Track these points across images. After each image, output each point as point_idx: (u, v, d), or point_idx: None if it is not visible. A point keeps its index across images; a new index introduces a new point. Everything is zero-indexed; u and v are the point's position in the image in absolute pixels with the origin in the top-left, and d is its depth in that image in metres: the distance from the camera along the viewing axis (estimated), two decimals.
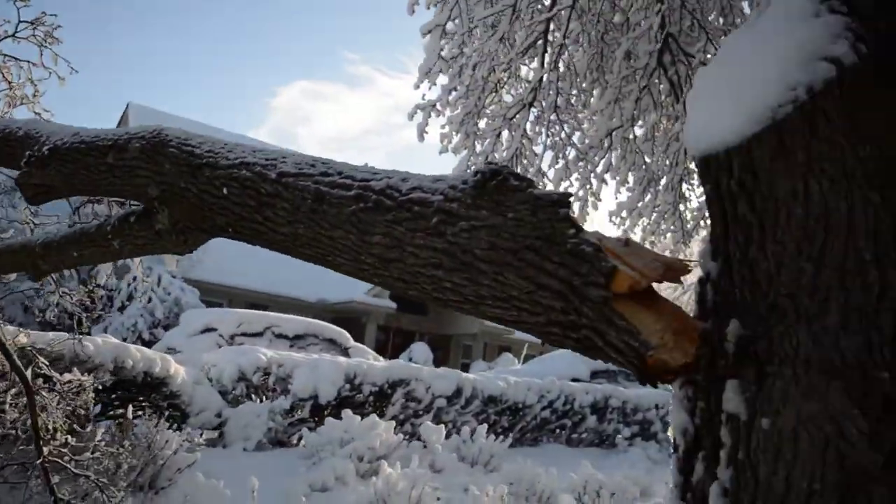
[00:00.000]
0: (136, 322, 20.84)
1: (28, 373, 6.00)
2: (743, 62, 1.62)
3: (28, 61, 6.12)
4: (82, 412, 7.02)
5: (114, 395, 9.14)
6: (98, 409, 8.57)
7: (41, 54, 6.07)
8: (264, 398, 11.34)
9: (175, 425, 9.61)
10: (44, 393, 6.47)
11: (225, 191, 2.91)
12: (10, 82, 6.22)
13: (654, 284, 1.74)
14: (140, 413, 8.93)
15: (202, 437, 9.03)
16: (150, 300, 20.77)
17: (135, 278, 20.13)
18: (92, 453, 6.51)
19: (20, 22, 6.01)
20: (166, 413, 9.55)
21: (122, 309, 21.25)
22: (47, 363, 6.34)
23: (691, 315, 1.79)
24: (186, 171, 3.11)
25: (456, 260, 2.02)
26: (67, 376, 6.65)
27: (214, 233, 3.54)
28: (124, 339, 14.43)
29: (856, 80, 1.45)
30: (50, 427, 6.30)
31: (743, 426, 1.49)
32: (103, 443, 6.76)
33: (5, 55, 6.01)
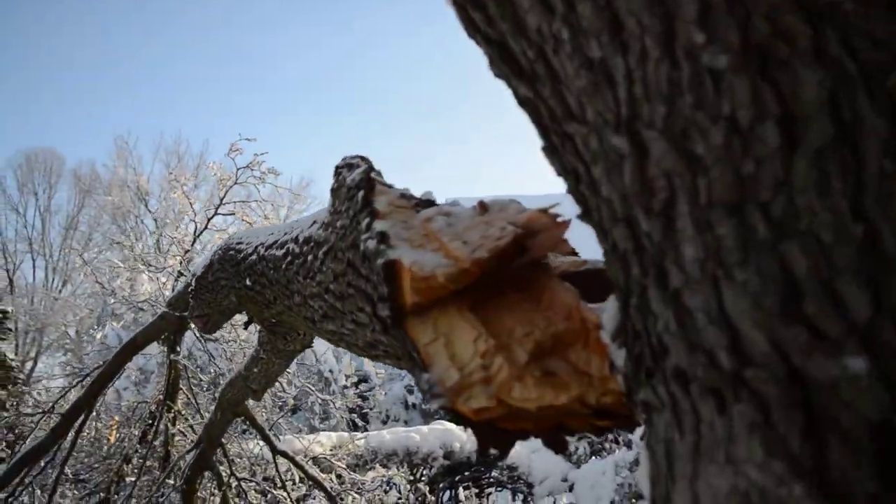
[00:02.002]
0: None
1: (330, 478, 6.27)
2: None
3: (255, 201, 6.72)
4: None
5: (442, 483, 9.29)
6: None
7: (259, 191, 6.63)
8: (603, 452, 10.66)
9: (521, 497, 9.45)
10: (354, 495, 6.69)
11: (248, 281, 2.69)
12: (250, 223, 6.86)
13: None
14: (476, 492, 8.91)
15: None
16: None
17: None
18: None
19: (238, 169, 6.66)
20: (510, 487, 9.44)
21: None
22: (344, 466, 6.59)
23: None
24: (233, 271, 2.99)
25: (325, 302, 1.52)
26: (370, 475, 6.84)
27: (269, 325, 3.31)
28: None
29: None
30: None
31: None
32: None
33: (238, 202, 6.71)
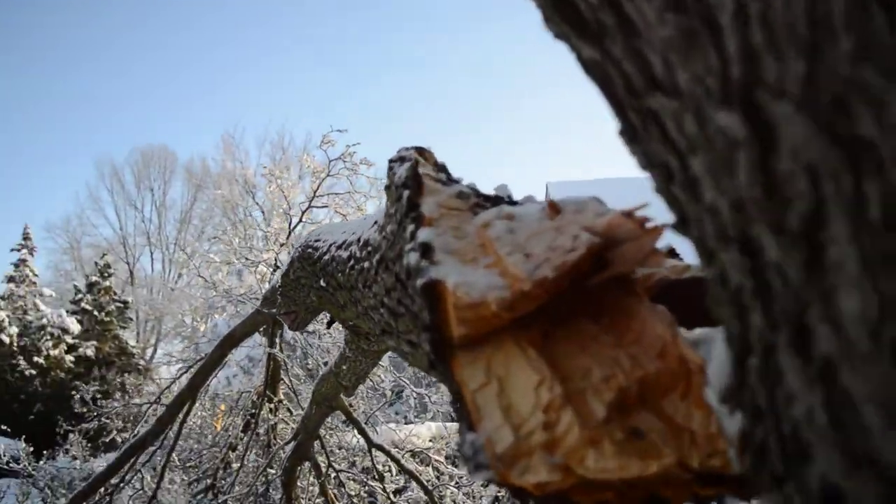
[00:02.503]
0: None
1: (426, 471, 6.19)
2: None
3: (347, 192, 6.67)
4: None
5: None
6: None
7: (351, 183, 6.57)
8: None
9: None
10: (452, 488, 6.59)
11: (322, 282, 2.59)
12: (344, 215, 6.83)
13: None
14: None
15: None
16: None
17: None
18: None
19: (330, 161, 6.61)
20: None
21: None
22: (441, 459, 6.48)
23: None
24: (310, 270, 2.91)
25: (382, 317, 1.35)
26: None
27: (350, 326, 3.20)
28: None
29: None
30: None
31: None
32: None
33: (330, 194, 6.68)
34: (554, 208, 0.91)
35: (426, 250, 0.87)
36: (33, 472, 8.03)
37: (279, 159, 29.89)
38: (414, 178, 1.03)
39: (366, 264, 1.41)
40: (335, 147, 6.63)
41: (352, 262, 1.66)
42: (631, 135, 0.57)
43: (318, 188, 6.87)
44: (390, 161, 1.27)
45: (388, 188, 1.26)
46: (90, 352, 25.71)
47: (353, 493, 6.82)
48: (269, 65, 58.07)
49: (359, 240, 1.62)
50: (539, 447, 0.67)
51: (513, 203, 1.13)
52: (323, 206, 6.92)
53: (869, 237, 0.35)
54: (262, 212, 12.87)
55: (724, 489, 0.72)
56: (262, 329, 6.91)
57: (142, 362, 27.63)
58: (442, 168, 1.32)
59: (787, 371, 0.41)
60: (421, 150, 1.30)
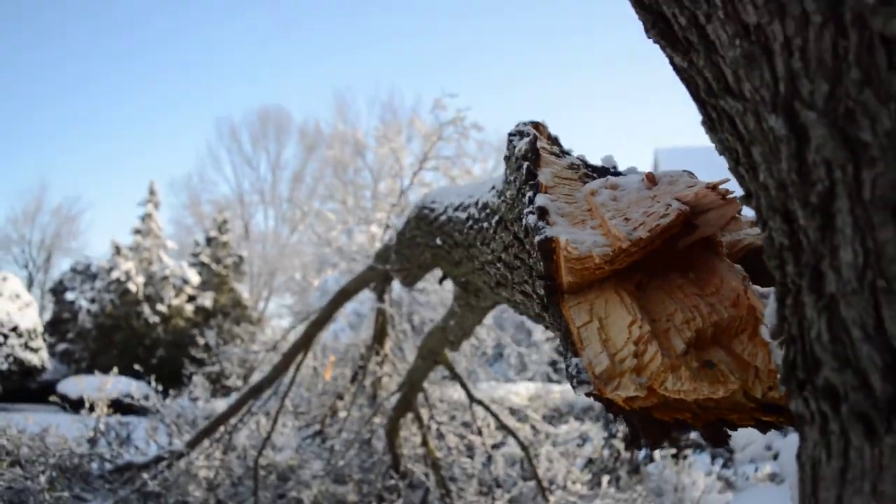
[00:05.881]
0: None
1: (524, 428, 6.42)
2: None
3: (455, 156, 6.87)
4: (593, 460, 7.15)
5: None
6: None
7: (460, 146, 6.76)
8: None
9: (721, 462, 9.09)
10: (548, 447, 6.80)
11: (438, 240, 2.83)
12: (452, 178, 7.05)
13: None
14: (673, 452, 8.64)
15: (757, 473, 8.28)
16: None
17: None
18: (602, 500, 6.52)
19: (441, 125, 6.83)
20: (709, 451, 9.10)
21: None
22: (538, 417, 6.69)
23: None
24: (427, 230, 3.12)
25: (498, 270, 1.56)
26: (564, 428, 6.89)
27: (461, 283, 3.40)
28: None
29: None
30: (560, 478, 6.55)
31: None
32: (612, 489, 6.71)
33: (442, 158, 6.90)
34: (651, 179, 1.07)
35: (542, 213, 1.05)
36: (161, 410, 8.79)
37: (389, 120, 30.48)
38: (533, 151, 1.21)
39: (484, 224, 1.60)
40: (446, 111, 6.84)
41: (470, 222, 1.85)
42: (710, 125, 0.74)
43: (429, 151, 7.11)
44: (510, 135, 1.45)
45: (507, 159, 1.44)
46: (208, 302, 27.34)
47: (451, 445, 7.15)
48: (380, 27, 58.82)
49: (477, 202, 1.81)
50: (629, 370, 0.85)
51: (617, 174, 1.29)
52: (434, 169, 7.16)
53: (862, 210, 0.51)
54: (371, 172, 13.31)
55: (782, 418, 0.88)
56: (371, 285, 7.28)
57: (254, 314, 29.19)
58: (555, 141, 1.49)
59: (808, 305, 0.57)
60: (536, 125, 1.48)
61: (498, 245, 1.49)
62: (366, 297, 9.96)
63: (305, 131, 40.81)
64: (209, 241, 30.27)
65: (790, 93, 0.57)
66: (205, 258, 29.40)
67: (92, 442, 7.89)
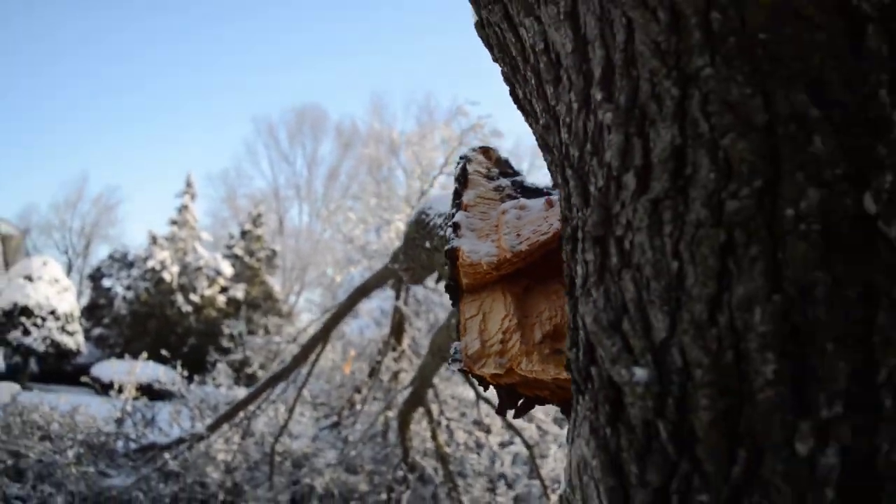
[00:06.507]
0: None
1: (529, 427, 6.61)
2: None
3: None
4: None
5: None
6: None
7: None
8: None
9: None
10: (553, 446, 6.97)
11: (427, 244, 3.01)
12: None
13: None
14: None
15: None
16: None
17: None
18: None
19: (462, 131, 7.08)
20: None
21: None
22: (545, 418, 6.87)
23: None
24: (423, 233, 3.31)
25: None
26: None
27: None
28: None
29: None
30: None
31: None
32: None
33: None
34: (549, 203, 1.29)
35: (455, 227, 1.28)
36: (185, 395, 9.19)
37: (424, 121, 30.76)
38: (462, 175, 1.44)
39: (444, 232, 1.83)
40: (468, 118, 7.08)
41: (438, 229, 2.08)
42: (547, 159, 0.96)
43: (450, 156, 7.36)
44: (460, 157, 1.68)
45: (455, 178, 1.67)
46: (240, 294, 27.95)
47: (460, 441, 7.38)
48: (418, 27, 59.27)
49: (445, 213, 2.04)
50: (495, 353, 1.07)
51: (550, 194, 1.51)
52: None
53: (582, 241, 0.73)
54: (405, 172, 13.62)
55: None
56: (391, 283, 7.55)
57: (285, 307, 29.77)
58: (504, 163, 1.71)
59: (569, 303, 0.79)
60: (486, 150, 1.70)
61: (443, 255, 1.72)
62: (389, 295, 10.24)
63: (342, 129, 41.47)
64: (244, 234, 30.95)
65: (564, 156, 0.79)
66: (238, 251, 30.05)
67: (119, 422, 8.29)
